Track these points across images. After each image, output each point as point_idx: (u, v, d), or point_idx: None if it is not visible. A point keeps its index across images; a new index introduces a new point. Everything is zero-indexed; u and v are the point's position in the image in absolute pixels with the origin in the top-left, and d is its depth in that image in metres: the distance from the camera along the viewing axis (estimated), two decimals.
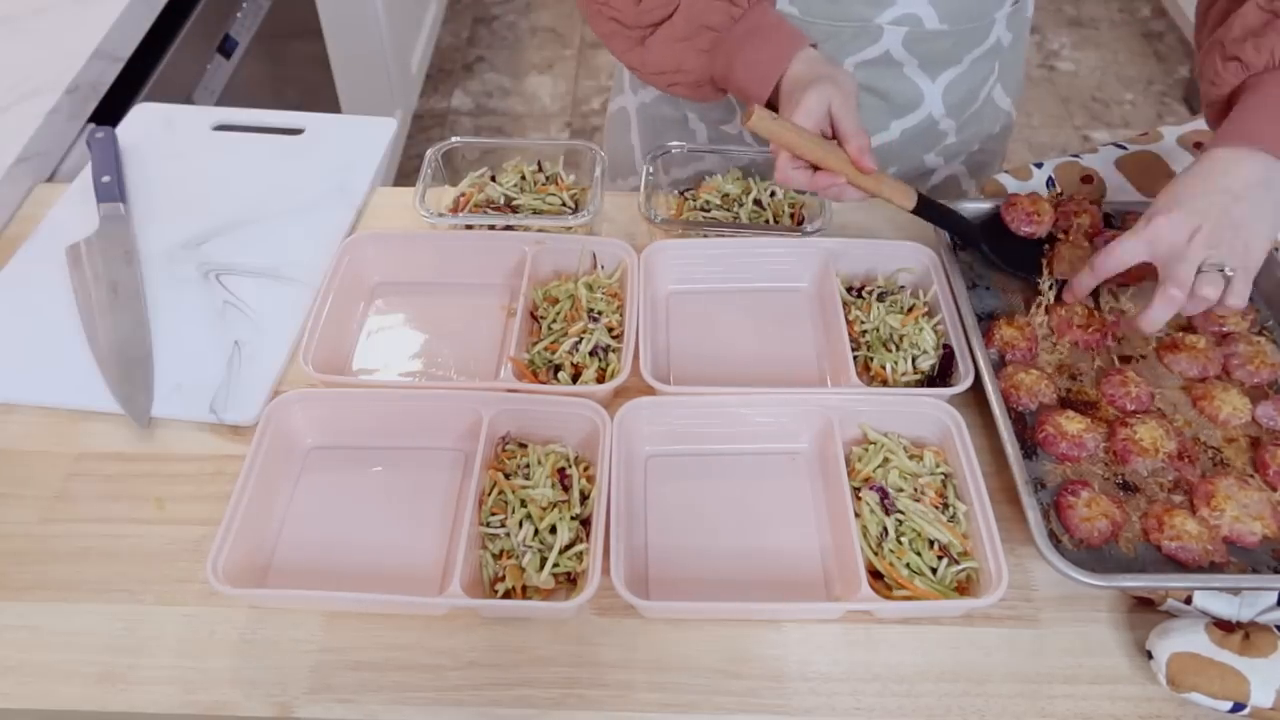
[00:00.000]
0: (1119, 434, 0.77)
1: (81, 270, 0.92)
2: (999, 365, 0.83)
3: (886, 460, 0.77)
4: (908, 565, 0.70)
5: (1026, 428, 0.79)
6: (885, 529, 0.72)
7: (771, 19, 0.86)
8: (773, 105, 0.85)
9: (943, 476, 0.76)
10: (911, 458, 0.77)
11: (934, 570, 0.70)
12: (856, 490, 0.75)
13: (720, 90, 0.91)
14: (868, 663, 0.68)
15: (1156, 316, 0.77)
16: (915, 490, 0.74)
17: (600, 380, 0.82)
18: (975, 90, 1.02)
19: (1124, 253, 0.78)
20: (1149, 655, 0.66)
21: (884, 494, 0.74)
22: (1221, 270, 0.75)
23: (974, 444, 0.75)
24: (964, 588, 0.71)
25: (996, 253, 0.92)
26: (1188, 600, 0.68)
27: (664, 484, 0.78)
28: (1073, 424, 0.77)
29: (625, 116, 1.15)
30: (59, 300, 0.90)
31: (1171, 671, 0.64)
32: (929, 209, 0.86)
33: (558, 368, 0.83)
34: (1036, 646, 0.69)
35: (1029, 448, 0.77)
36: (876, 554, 0.71)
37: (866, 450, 0.78)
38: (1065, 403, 0.81)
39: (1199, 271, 0.75)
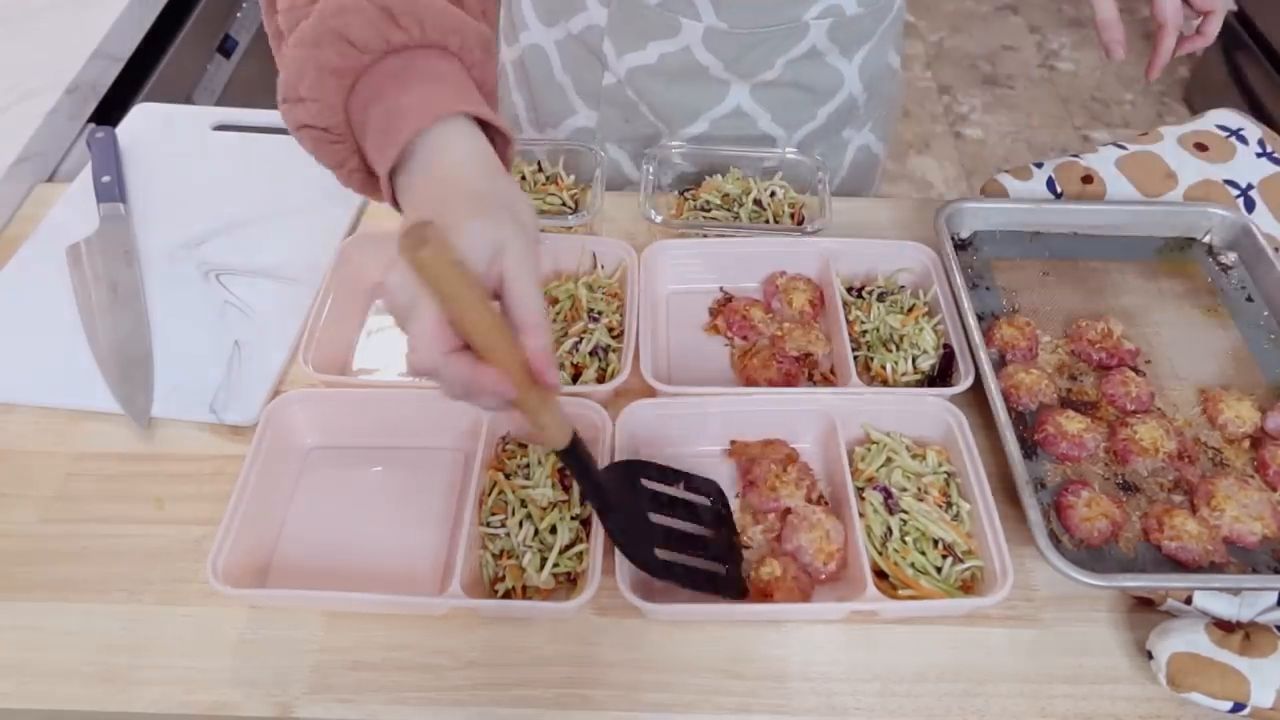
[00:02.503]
0: (1119, 434, 0.77)
1: (81, 270, 0.92)
2: (999, 365, 0.83)
3: (890, 460, 0.77)
4: (912, 565, 0.71)
5: (1027, 427, 0.79)
6: (889, 528, 0.72)
7: (443, 68, 0.60)
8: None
9: (946, 475, 0.76)
10: (914, 457, 0.77)
11: (939, 569, 0.70)
12: (860, 490, 0.75)
13: (362, 161, 0.63)
14: (868, 663, 0.68)
15: (1214, 28, 0.86)
16: (919, 489, 0.75)
17: (600, 380, 0.82)
18: (883, 59, 1.05)
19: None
20: (1149, 655, 0.66)
21: (888, 493, 0.74)
22: None
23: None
24: (968, 586, 0.71)
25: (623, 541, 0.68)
26: (1188, 600, 0.68)
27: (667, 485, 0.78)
28: (1073, 424, 0.77)
29: (541, 53, 1.04)
30: (59, 300, 0.90)
31: (1171, 671, 0.64)
32: (575, 458, 0.64)
33: (558, 367, 0.83)
34: (1037, 646, 0.69)
35: (1029, 447, 0.77)
36: (881, 554, 0.71)
37: (869, 450, 0.78)
38: (1065, 403, 0.81)
39: None
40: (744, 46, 0.94)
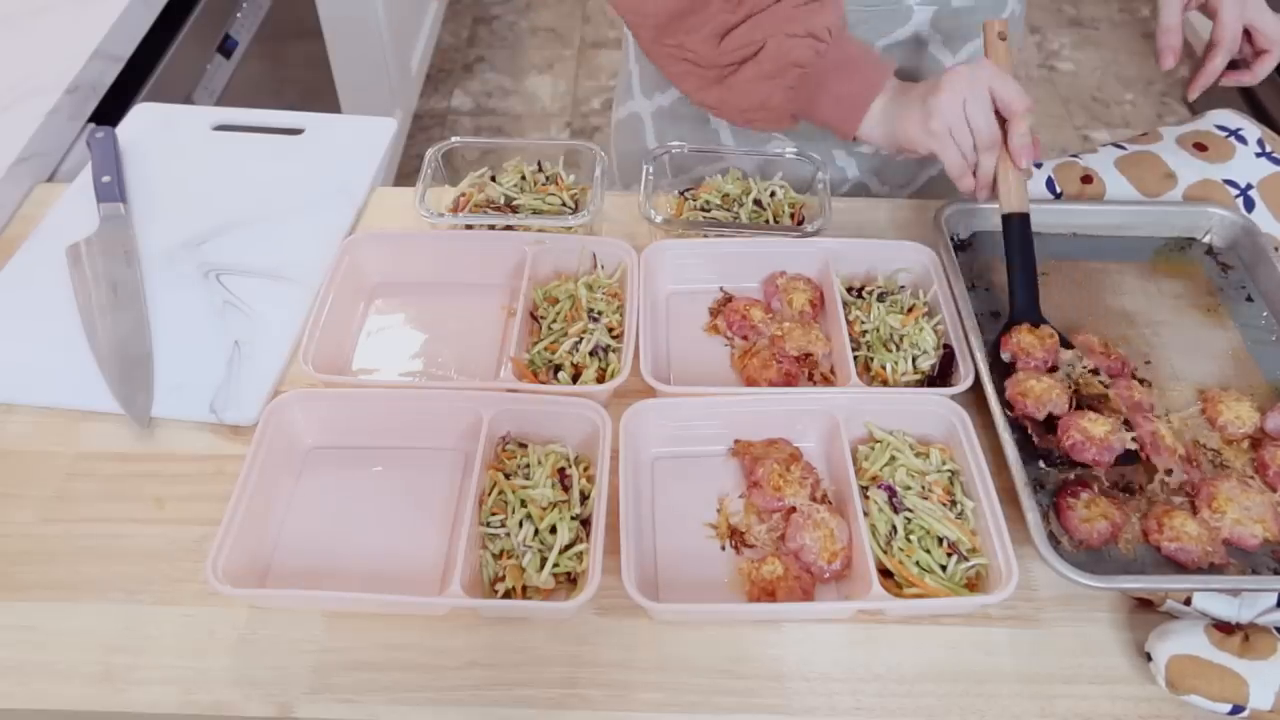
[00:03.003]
0: (1144, 427, 0.77)
1: (81, 270, 0.92)
2: (1009, 369, 0.82)
3: (893, 459, 0.77)
4: (917, 563, 0.71)
5: (1046, 436, 0.77)
6: (894, 527, 0.72)
7: (855, 50, 0.87)
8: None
9: (950, 474, 0.76)
10: (918, 455, 0.77)
11: (943, 568, 0.71)
12: (864, 489, 0.75)
13: (793, 119, 0.90)
14: (868, 663, 0.68)
15: (1265, 69, 0.90)
16: (923, 488, 0.75)
17: (600, 380, 0.82)
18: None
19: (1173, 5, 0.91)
20: (1148, 657, 0.66)
21: (892, 492, 0.74)
22: None
23: None
24: (973, 584, 0.71)
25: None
26: (1187, 601, 0.68)
27: (670, 485, 0.78)
28: (1098, 426, 0.76)
29: (638, 121, 1.14)
30: (59, 300, 0.90)
31: (1171, 674, 0.64)
32: (1018, 231, 0.86)
33: (558, 368, 0.83)
34: (1037, 647, 0.69)
35: (1054, 456, 0.76)
36: (885, 552, 0.71)
37: (873, 449, 0.78)
38: (1078, 403, 0.80)
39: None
40: (850, 23, 0.94)
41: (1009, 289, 0.86)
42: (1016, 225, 0.85)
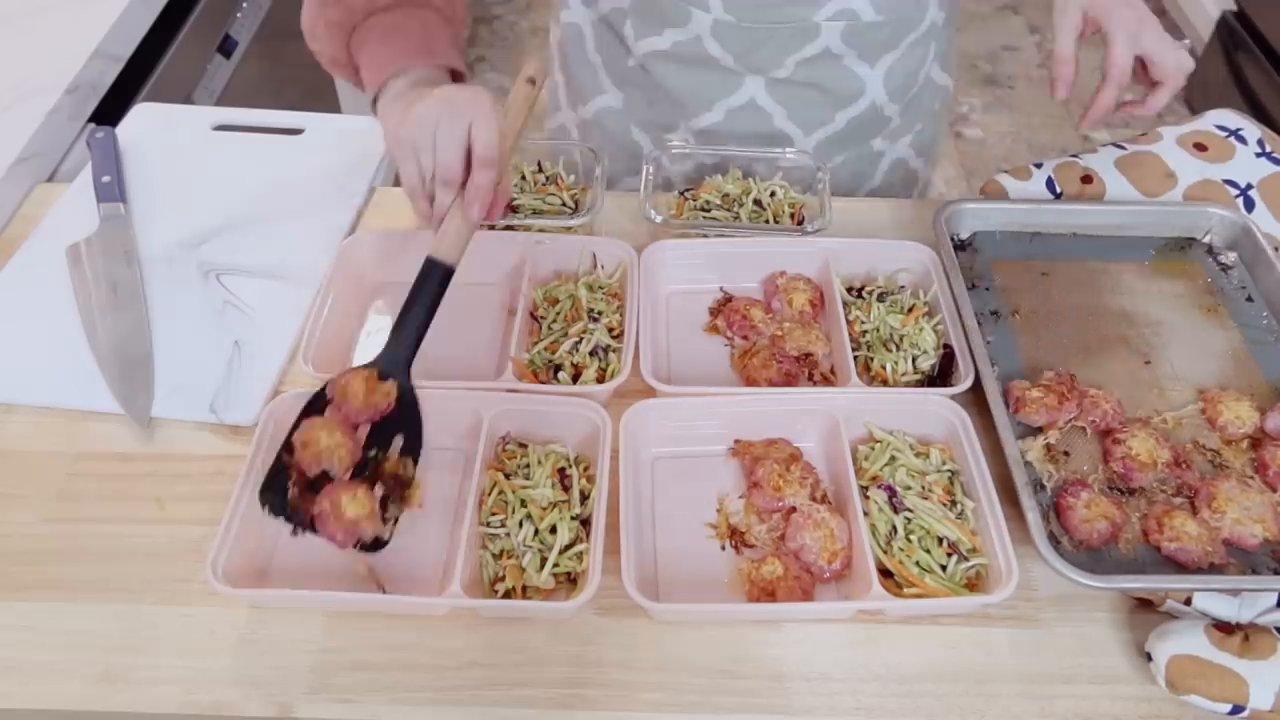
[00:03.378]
0: (1114, 452, 0.77)
1: (81, 270, 0.92)
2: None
3: (893, 459, 0.77)
4: (917, 563, 0.70)
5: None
6: (894, 527, 0.72)
7: (413, 25, 0.84)
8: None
9: (950, 474, 0.76)
10: (918, 455, 0.77)
11: (943, 567, 0.70)
12: (864, 489, 0.75)
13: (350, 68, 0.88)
14: (868, 663, 0.68)
15: (1158, 102, 0.88)
16: (923, 488, 0.75)
17: (600, 380, 0.82)
18: (914, 72, 1.03)
19: (1063, 39, 0.87)
20: (1148, 657, 0.66)
21: (892, 492, 0.74)
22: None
23: None
24: (973, 584, 0.71)
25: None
26: (1187, 601, 0.68)
27: (670, 485, 0.78)
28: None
29: (578, 31, 1.08)
30: (59, 300, 0.90)
31: (1171, 674, 0.64)
32: (429, 278, 0.74)
33: (558, 368, 0.83)
34: (1037, 646, 0.69)
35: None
36: (885, 552, 0.71)
37: (873, 449, 0.78)
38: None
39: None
40: (753, 41, 0.94)
41: (393, 329, 0.74)
42: (435, 273, 0.74)
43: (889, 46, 0.98)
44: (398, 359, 0.73)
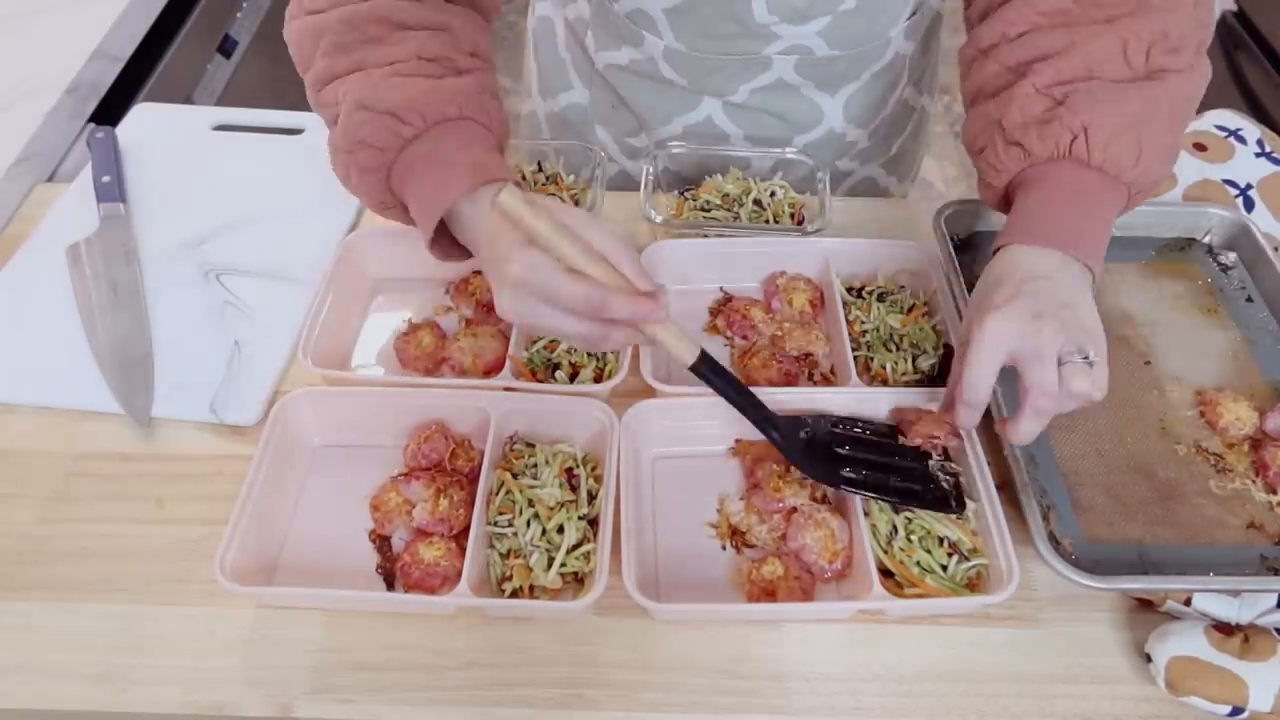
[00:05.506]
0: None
1: (81, 270, 0.92)
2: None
3: None
4: (918, 563, 0.71)
5: None
6: (895, 527, 0.72)
7: (451, 145, 0.70)
8: (462, 251, 0.73)
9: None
10: None
11: (944, 568, 0.70)
12: None
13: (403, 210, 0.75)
14: (868, 663, 0.68)
15: (1028, 429, 0.68)
16: None
17: (598, 380, 0.82)
18: (881, 99, 1.01)
19: (980, 372, 0.67)
20: (1148, 658, 0.66)
21: None
22: (1086, 358, 0.65)
23: None
24: (973, 584, 0.71)
25: (790, 451, 0.73)
26: (1187, 602, 0.68)
27: (671, 485, 0.78)
28: None
29: (550, 26, 1.06)
30: (59, 300, 0.89)
31: (1170, 675, 0.64)
32: (713, 374, 0.69)
33: (556, 366, 0.83)
34: (1037, 646, 0.69)
35: None
36: (886, 552, 0.71)
37: None
38: None
39: (1059, 364, 0.65)
40: (705, 69, 0.94)
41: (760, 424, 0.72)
42: (706, 365, 0.68)
43: (848, 78, 0.97)
44: (790, 442, 0.73)
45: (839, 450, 0.75)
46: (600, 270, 0.61)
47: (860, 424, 0.77)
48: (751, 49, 0.92)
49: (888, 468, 0.74)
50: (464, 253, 0.73)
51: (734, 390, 0.71)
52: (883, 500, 0.72)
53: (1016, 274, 0.69)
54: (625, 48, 0.97)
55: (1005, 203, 0.78)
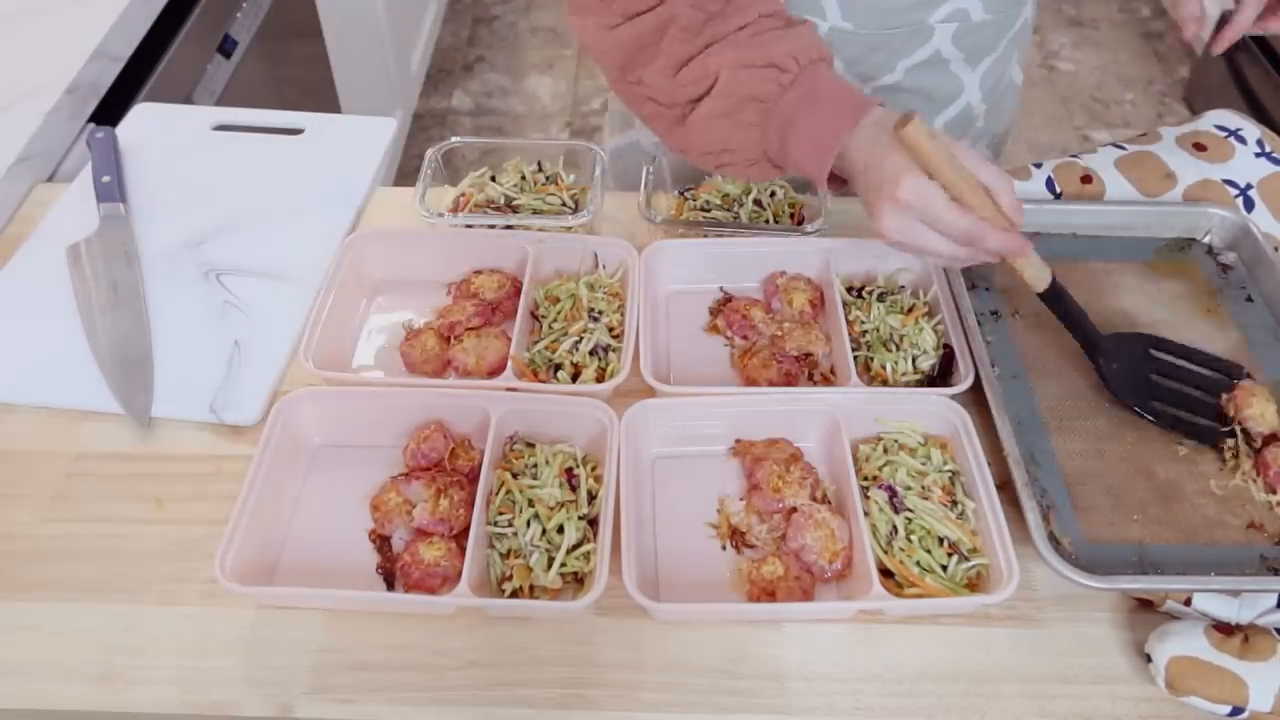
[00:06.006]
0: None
1: (81, 270, 0.92)
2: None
3: (890, 463, 0.76)
4: (918, 563, 0.71)
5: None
6: (895, 527, 0.72)
7: (827, 84, 0.76)
8: (839, 181, 0.79)
9: (950, 474, 0.76)
10: (920, 454, 0.77)
11: (944, 568, 0.71)
12: (865, 489, 0.75)
13: (778, 168, 0.81)
14: (868, 663, 0.68)
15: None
16: (923, 488, 0.75)
17: (599, 380, 0.82)
18: (1004, 72, 1.04)
19: None
20: (1148, 659, 0.66)
21: (892, 492, 0.74)
22: None
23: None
24: (974, 584, 0.71)
25: (1110, 377, 0.81)
26: (1187, 602, 0.68)
27: (671, 485, 0.78)
28: None
29: (638, 150, 1.10)
30: (59, 300, 0.90)
31: (1170, 675, 0.64)
32: (1058, 299, 0.80)
33: (557, 366, 0.83)
34: (1037, 646, 0.69)
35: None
36: (886, 552, 0.71)
37: (874, 449, 0.78)
38: None
39: None
40: (867, 48, 0.94)
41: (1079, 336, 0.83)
42: (1052, 290, 0.80)
43: (989, 49, 0.99)
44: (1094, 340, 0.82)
45: (1152, 378, 0.82)
46: (978, 200, 0.69)
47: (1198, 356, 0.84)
48: (918, 17, 0.93)
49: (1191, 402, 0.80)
50: (839, 182, 0.79)
51: (1072, 319, 0.81)
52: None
53: None
54: None
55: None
